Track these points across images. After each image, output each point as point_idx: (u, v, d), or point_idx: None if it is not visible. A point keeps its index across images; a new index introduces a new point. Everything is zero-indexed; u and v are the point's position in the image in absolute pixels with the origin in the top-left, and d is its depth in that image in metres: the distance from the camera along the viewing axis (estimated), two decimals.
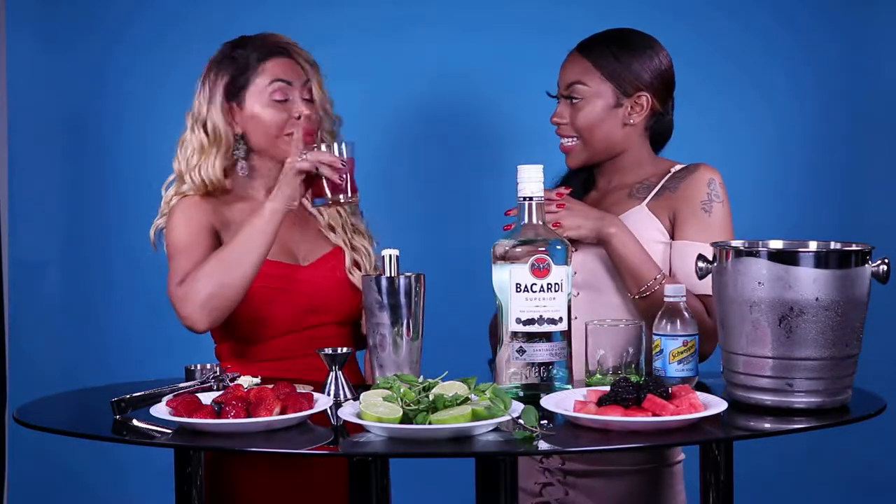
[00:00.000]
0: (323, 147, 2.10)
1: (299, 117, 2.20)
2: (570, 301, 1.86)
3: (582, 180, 2.28)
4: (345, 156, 2.10)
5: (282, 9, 2.98)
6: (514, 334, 1.84)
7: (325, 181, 2.09)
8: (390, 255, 1.89)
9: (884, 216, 3.08)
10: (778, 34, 3.09)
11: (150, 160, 3.05)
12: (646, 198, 2.17)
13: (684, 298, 1.90)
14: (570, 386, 1.85)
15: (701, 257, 1.84)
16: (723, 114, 3.09)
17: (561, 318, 1.84)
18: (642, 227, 2.13)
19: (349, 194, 2.10)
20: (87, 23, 3.14)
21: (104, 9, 3.14)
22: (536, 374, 1.83)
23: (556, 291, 1.83)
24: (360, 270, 2.26)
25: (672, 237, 2.14)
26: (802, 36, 3.08)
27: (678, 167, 2.21)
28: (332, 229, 2.30)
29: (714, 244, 1.83)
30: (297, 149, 2.10)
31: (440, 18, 3.10)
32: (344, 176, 2.09)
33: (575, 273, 2.07)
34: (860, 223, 3.07)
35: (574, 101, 2.19)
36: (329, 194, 2.10)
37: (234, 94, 2.21)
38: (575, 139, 2.21)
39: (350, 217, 2.33)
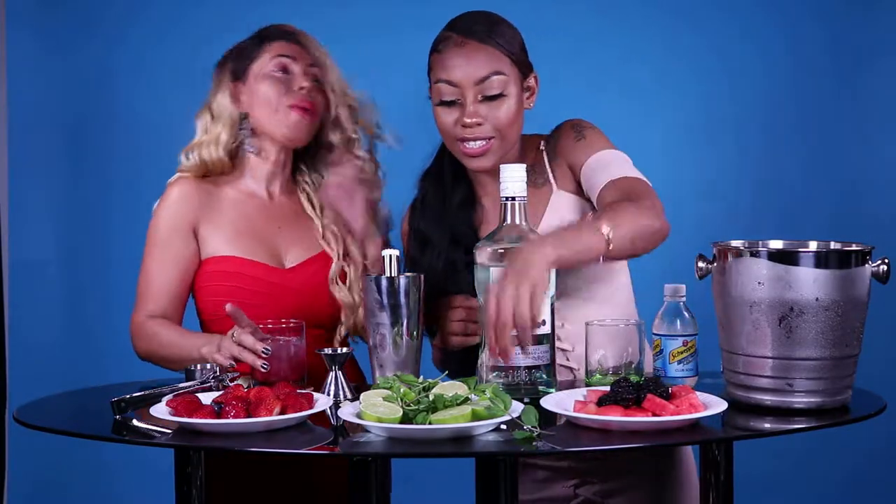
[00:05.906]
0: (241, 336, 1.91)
1: (300, 89, 2.16)
2: (553, 304, 1.80)
3: (462, 195, 2.11)
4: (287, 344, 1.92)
5: (281, 9, 2.97)
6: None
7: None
8: (390, 256, 1.88)
9: (884, 216, 3.08)
10: (774, 32, 3.09)
11: (149, 160, 3.06)
12: (549, 183, 2.04)
13: (684, 298, 1.90)
14: (553, 390, 1.79)
15: (701, 257, 1.83)
16: (720, 112, 3.09)
17: (544, 321, 1.77)
18: (569, 210, 2.02)
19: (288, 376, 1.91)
20: (87, 23, 3.14)
21: (104, 9, 3.15)
22: (519, 378, 1.78)
23: None
24: (344, 283, 2.17)
25: (578, 182, 2.02)
26: (797, 33, 3.09)
27: (542, 140, 2.09)
28: (328, 239, 2.22)
29: (714, 244, 1.82)
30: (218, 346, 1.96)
31: (440, 18, 3.09)
32: (267, 365, 1.90)
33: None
34: (860, 223, 3.07)
35: (494, 97, 1.97)
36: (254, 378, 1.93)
37: (239, 73, 2.20)
38: (490, 139, 1.98)
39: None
